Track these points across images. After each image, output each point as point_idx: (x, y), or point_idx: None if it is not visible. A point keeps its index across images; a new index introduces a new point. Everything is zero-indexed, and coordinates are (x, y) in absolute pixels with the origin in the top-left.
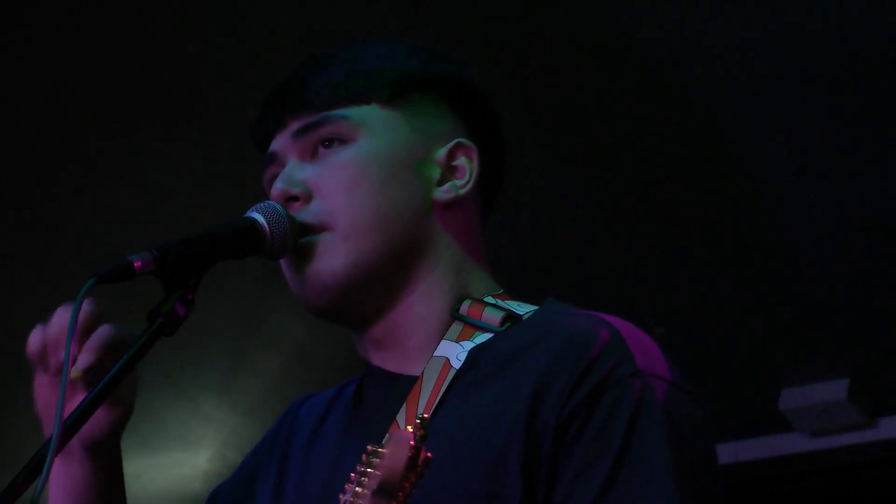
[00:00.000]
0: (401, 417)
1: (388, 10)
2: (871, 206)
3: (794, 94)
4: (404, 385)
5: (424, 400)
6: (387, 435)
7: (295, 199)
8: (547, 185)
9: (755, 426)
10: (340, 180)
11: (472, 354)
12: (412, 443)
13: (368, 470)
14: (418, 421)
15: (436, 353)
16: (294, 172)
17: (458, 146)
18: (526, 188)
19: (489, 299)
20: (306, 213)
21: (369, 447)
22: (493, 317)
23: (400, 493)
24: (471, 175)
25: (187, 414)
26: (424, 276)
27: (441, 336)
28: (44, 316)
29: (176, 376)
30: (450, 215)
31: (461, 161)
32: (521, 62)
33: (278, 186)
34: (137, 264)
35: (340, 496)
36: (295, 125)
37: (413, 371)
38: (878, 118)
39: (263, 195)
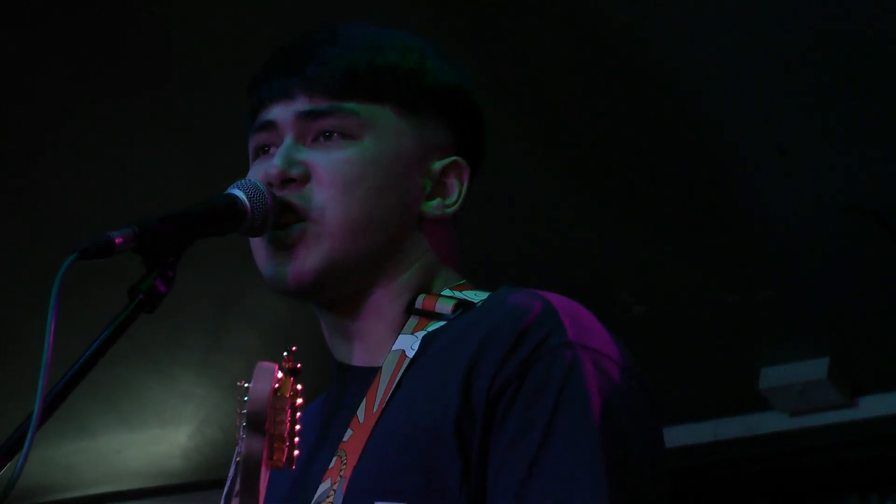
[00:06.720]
0: (360, 411)
1: None
2: (850, 186)
3: (773, 73)
4: (366, 377)
5: (381, 391)
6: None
7: (292, 180)
8: (522, 165)
9: (734, 405)
10: (339, 177)
11: (425, 341)
12: (278, 374)
13: (241, 410)
14: (286, 354)
15: (394, 348)
16: (293, 152)
17: (454, 165)
18: (501, 170)
19: (445, 292)
20: (298, 197)
21: (238, 383)
22: (444, 306)
23: (268, 424)
24: (459, 196)
25: (167, 391)
26: (394, 278)
27: (399, 331)
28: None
29: (155, 353)
30: (431, 229)
31: (453, 180)
32: (492, 46)
33: (276, 164)
34: (118, 240)
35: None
36: (302, 103)
37: (374, 363)
38: (858, 97)
39: (236, 169)
